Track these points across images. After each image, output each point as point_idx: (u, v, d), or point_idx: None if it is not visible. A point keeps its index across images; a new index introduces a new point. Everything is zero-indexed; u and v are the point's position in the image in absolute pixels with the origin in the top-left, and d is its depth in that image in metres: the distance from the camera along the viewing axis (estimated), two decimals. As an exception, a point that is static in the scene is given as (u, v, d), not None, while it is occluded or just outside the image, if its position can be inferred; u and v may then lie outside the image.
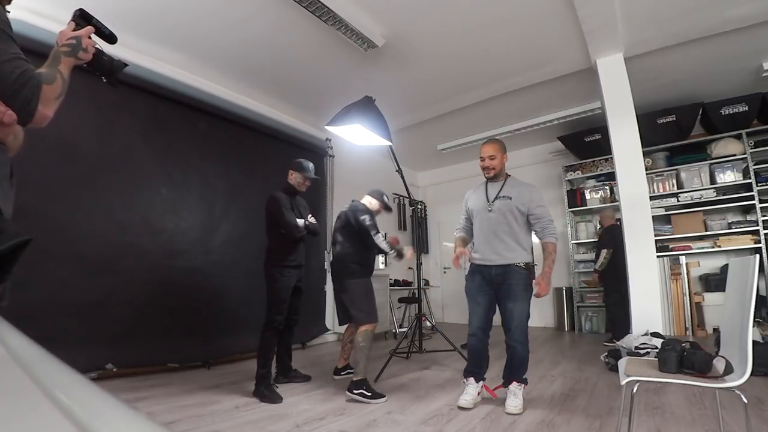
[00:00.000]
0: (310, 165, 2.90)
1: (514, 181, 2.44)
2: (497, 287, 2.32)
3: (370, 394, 2.45)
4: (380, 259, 6.10)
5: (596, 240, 4.80)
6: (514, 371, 2.29)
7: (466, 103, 4.66)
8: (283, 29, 3.25)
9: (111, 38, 1.17)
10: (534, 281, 2.28)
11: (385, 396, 2.47)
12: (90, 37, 1.08)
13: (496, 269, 2.30)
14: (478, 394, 2.38)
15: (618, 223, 4.85)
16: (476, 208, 2.45)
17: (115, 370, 2.85)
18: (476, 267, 2.41)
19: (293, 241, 2.75)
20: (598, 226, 4.85)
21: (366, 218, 2.79)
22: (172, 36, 3.30)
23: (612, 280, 4.19)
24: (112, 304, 2.95)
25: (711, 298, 4.54)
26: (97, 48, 1.11)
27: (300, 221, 2.75)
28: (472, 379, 2.39)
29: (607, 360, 3.17)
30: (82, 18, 1.10)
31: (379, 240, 2.78)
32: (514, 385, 2.26)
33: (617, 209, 3.93)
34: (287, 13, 3.01)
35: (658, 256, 3.81)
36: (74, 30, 1.06)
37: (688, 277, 4.63)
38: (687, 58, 3.80)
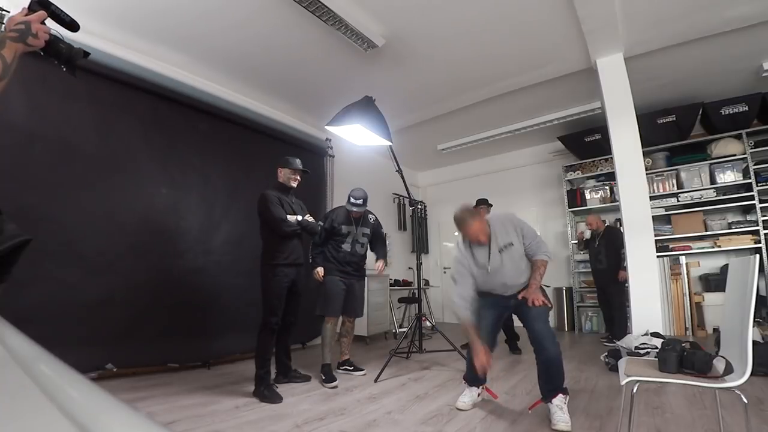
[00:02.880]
0: (297, 159, 2.91)
1: (494, 223, 2.27)
2: (515, 308, 2.27)
3: (324, 377, 2.87)
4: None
5: (587, 241, 4.79)
6: (556, 380, 2.05)
7: (466, 103, 4.66)
8: (283, 29, 3.25)
9: (72, 26, 1.11)
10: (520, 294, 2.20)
11: (334, 381, 2.82)
12: (44, 23, 1.04)
13: (511, 297, 2.26)
14: (479, 395, 2.37)
15: (618, 224, 4.86)
16: (480, 270, 2.25)
17: (115, 370, 2.85)
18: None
19: (282, 237, 2.71)
20: (587, 231, 4.83)
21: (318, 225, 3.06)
22: (173, 36, 3.30)
23: (621, 281, 4.18)
24: (112, 304, 2.95)
25: (711, 298, 4.54)
26: (52, 35, 1.06)
27: (291, 218, 2.74)
28: (474, 386, 2.37)
29: (607, 360, 3.17)
30: (39, 4, 1.05)
31: (310, 249, 3.19)
32: (559, 399, 2.00)
33: (616, 209, 3.94)
34: (287, 13, 3.01)
35: (658, 256, 3.81)
36: (26, 16, 1.02)
37: (688, 277, 4.63)
38: (687, 58, 3.79)
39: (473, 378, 2.32)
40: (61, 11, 1.09)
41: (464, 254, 2.27)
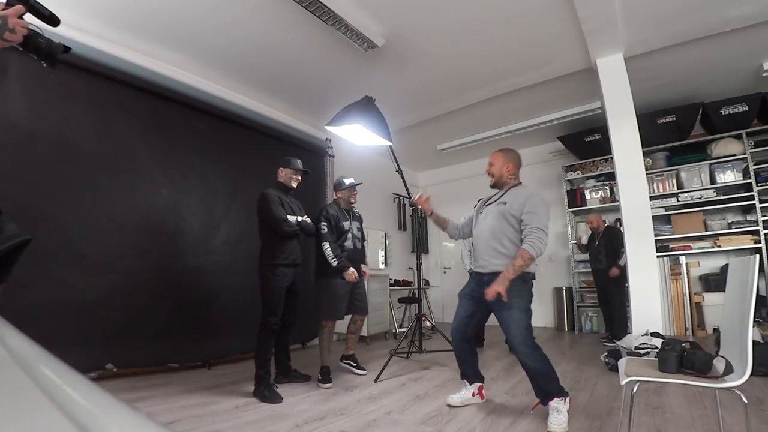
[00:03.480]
0: (298, 160, 2.93)
1: (519, 190, 2.25)
2: (490, 304, 2.15)
3: (320, 377, 2.88)
4: (380, 258, 6.11)
5: (589, 242, 4.79)
6: (542, 387, 2.07)
7: (466, 103, 4.66)
8: (283, 29, 3.25)
9: (52, 20, 1.08)
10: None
11: (329, 383, 2.81)
12: (22, 18, 1.01)
13: (488, 277, 2.16)
14: (473, 395, 2.38)
15: (618, 224, 4.86)
16: (478, 213, 2.40)
17: (115, 370, 2.85)
18: (474, 273, 2.37)
19: (283, 237, 2.71)
20: (585, 235, 4.86)
21: (321, 226, 3.00)
22: (172, 35, 3.29)
23: (623, 280, 4.18)
24: (113, 304, 2.95)
25: (711, 298, 4.54)
26: (31, 29, 1.03)
27: (291, 218, 2.75)
28: (465, 381, 2.40)
29: (607, 360, 3.17)
30: None
31: (327, 251, 2.95)
32: (555, 401, 2.02)
33: (616, 209, 3.95)
34: (287, 13, 3.01)
35: (658, 256, 3.81)
36: (3, 10, 0.98)
37: (688, 277, 4.63)
38: (687, 58, 3.79)
39: (464, 373, 2.41)
40: (40, 5, 1.06)
41: (482, 201, 2.48)
